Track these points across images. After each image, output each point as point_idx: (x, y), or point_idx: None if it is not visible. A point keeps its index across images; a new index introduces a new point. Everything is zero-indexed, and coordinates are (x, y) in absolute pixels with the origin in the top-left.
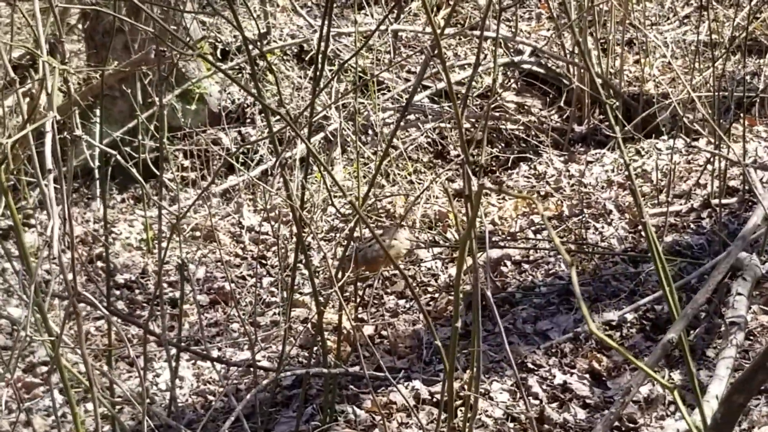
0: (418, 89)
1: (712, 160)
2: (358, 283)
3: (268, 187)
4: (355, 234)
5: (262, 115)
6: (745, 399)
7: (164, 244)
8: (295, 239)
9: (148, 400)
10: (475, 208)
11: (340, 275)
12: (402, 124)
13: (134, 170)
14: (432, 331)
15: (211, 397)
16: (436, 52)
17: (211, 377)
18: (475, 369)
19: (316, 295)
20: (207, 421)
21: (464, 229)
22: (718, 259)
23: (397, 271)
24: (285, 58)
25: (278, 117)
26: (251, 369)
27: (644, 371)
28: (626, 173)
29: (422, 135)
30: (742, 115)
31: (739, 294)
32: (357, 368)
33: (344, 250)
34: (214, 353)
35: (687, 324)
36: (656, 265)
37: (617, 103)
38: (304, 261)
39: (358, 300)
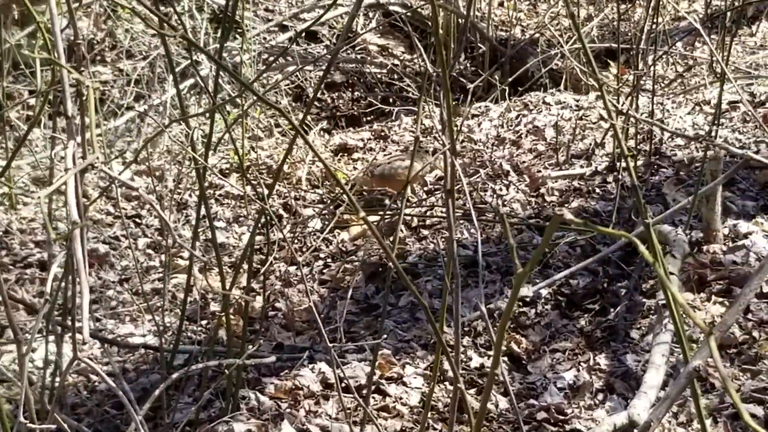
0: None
1: (616, 117)
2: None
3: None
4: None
5: (114, 52)
6: None
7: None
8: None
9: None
10: None
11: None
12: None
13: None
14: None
15: (94, 377)
16: None
17: (92, 353)
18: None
19: (221, 269)
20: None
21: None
22: None
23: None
24: None
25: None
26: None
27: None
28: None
29: (287, 77)
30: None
31: (670, 273)
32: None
33: (257, 220)
34: (91, 324)
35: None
36: (653, 248)
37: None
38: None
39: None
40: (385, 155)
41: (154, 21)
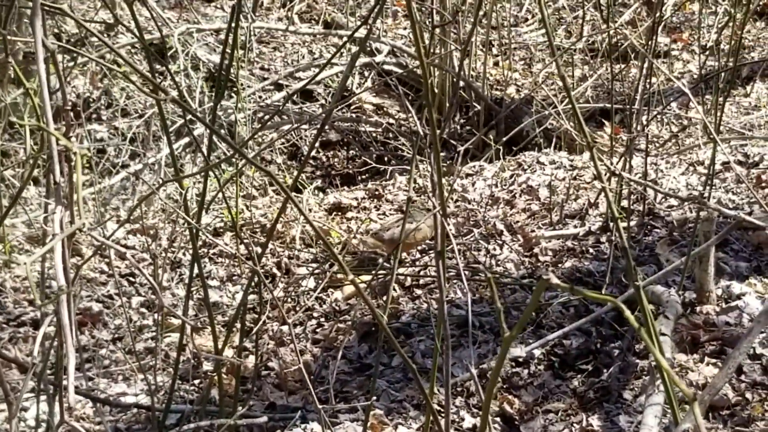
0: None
1: (608, 177)
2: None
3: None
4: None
5: (110, 110)
6: None
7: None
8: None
9: None
10: None
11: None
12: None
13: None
14: None
15: None
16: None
17: (84, 413)
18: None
19: (213, 329)
20: None
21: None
22: None
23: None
24: (133, 50)
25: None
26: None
27: None
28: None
29: (283, 136)
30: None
31: (663, 334)
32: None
33: (250, 280)
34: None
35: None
36: (644, 311)
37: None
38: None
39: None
40: (379, 215)
41: (149, 84)
